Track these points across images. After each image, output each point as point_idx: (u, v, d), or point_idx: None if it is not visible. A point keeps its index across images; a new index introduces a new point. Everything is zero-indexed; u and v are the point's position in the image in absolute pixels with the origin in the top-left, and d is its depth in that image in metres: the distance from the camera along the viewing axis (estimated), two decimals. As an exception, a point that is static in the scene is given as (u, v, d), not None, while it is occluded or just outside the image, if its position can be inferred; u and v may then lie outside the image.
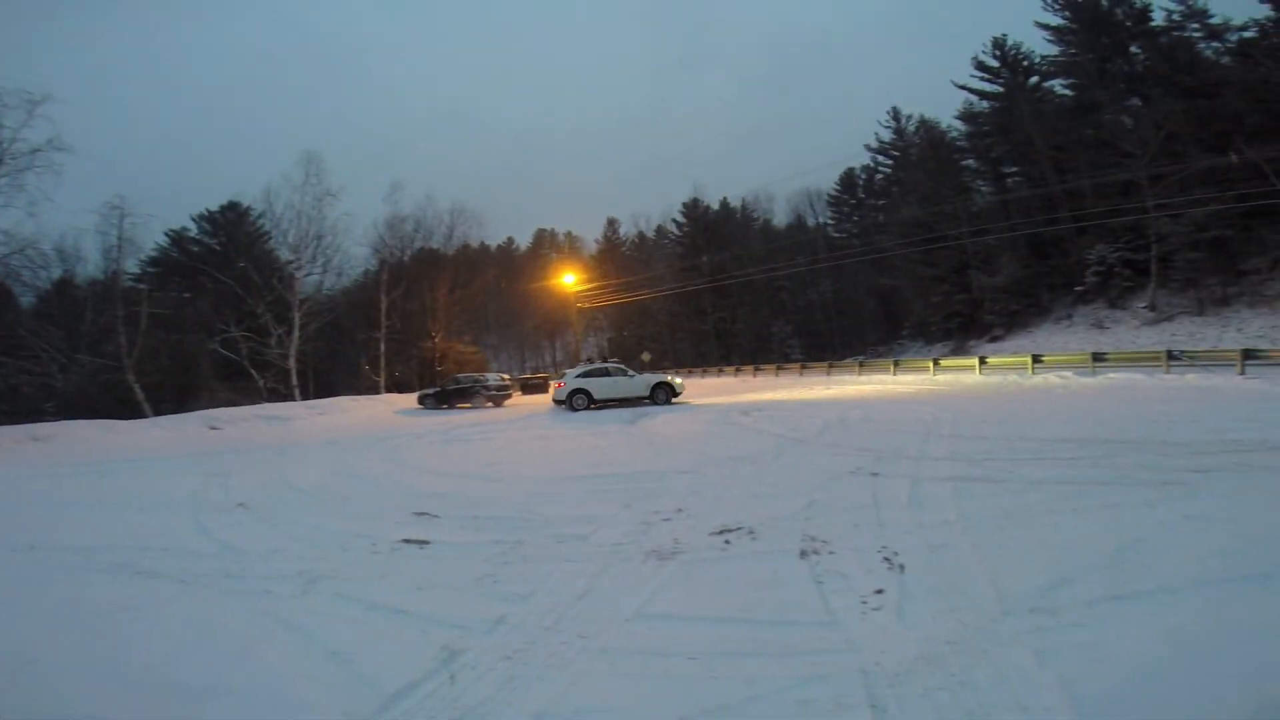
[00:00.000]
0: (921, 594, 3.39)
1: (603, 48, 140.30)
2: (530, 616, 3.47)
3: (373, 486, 7.94)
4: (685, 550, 4.45)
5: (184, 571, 4.77)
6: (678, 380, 18.46)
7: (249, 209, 37.41)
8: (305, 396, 28.75)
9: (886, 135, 43.75)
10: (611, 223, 64.33)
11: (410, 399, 24.69)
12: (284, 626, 3.58)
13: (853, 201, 49.70)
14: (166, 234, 37.00)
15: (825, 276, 45.75)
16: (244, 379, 29.54)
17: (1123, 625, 2.84)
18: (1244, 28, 27.12)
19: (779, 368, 32.18)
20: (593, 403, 17.18)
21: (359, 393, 29.44)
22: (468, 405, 21.97)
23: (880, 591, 3.46)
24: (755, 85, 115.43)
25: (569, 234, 75.27)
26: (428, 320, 34.17)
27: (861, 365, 27.25)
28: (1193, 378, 12.86)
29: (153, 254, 35.32)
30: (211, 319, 30.58)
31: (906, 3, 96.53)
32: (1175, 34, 29.81)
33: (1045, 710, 2.26)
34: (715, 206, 53.28)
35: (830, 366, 28.89)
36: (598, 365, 19.50)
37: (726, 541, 4.59)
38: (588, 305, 45.57)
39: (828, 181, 50.64)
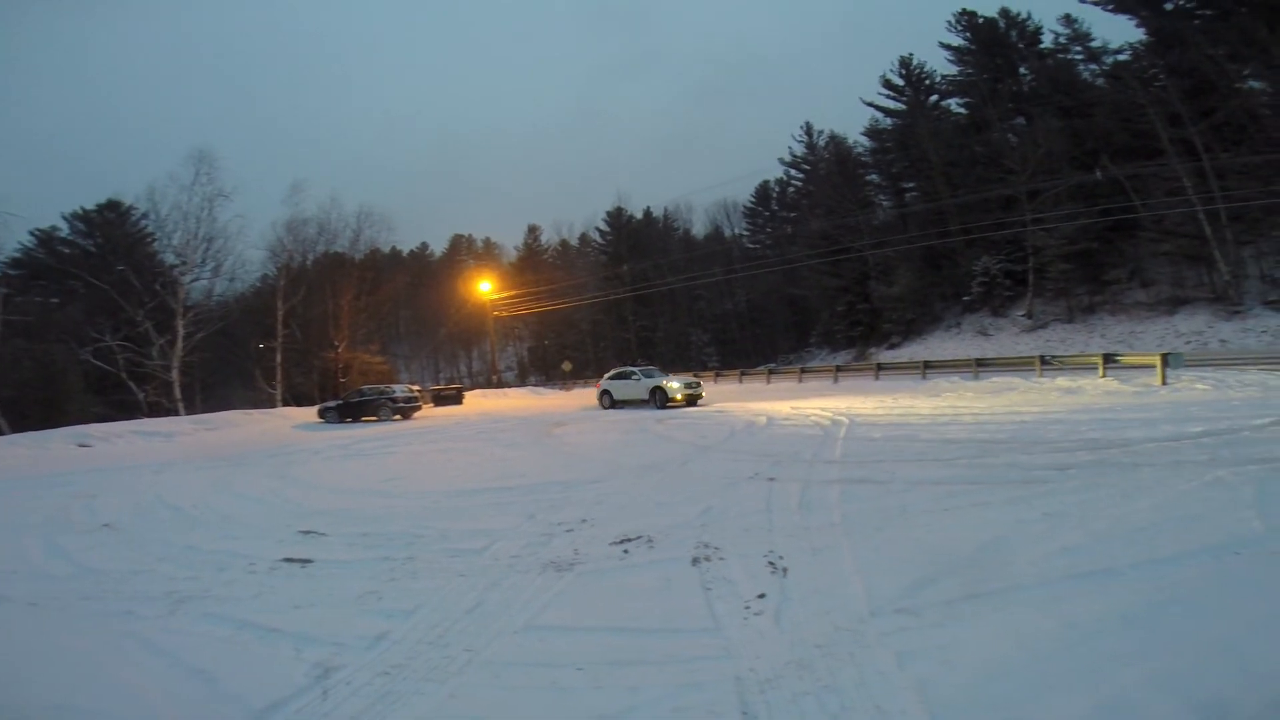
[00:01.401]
0: (800, 598, 3.45)
1: (538, 51, 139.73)
2: (414, 632, 3.37)
3: (258, 504, 7.48)
4: (584, 561, 4.40)
5: (34, 594, 4.44)
6: (673, 384, 17.74)
7: (131, 209, 34.41)
8: (191, 411, 26.60)
9: (799, 149, 45.58)
10: (533, 230, 63.54)
11: (310, 413, 23.27)
12: (144, 647, 3.39)
13: (766, 213, 51.41)
14: (32, 234, 33.50)
15: (740, 286, 47.07)
16: (121, 392, 27.11)
17: (977, 624, 2.94)
18: (1119, 51, 30.16)
19: (695, 375, 32.62)
20: (614, 402, 17.98)
21: (253, 406, 27.49)
22: (373, 419, 20.95)
23: (762, 596, 3.51)
24: (684, 96, 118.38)
25: (488, 240, 73.71)
26: (330, 328, 32.37)
27: (770, 373, 28.09)
28: (1061, 380, 14.04)
29: (15, 255, 31.73)
30: (83, 327, 27.74)
31: (835, 20, 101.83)
32: (1060, 56, 32.75)
33: (900, 713, 2.30)
34: (638, 216, 53.81)
35: (741, 374, 29.58)
36: (624, 369, 19.75)
37: (625, 551, 4.57)
38: (506, 314, 44.74)
39: (745, 193, 52.33)
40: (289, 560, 4.91)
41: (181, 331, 27.07)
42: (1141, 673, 2.34)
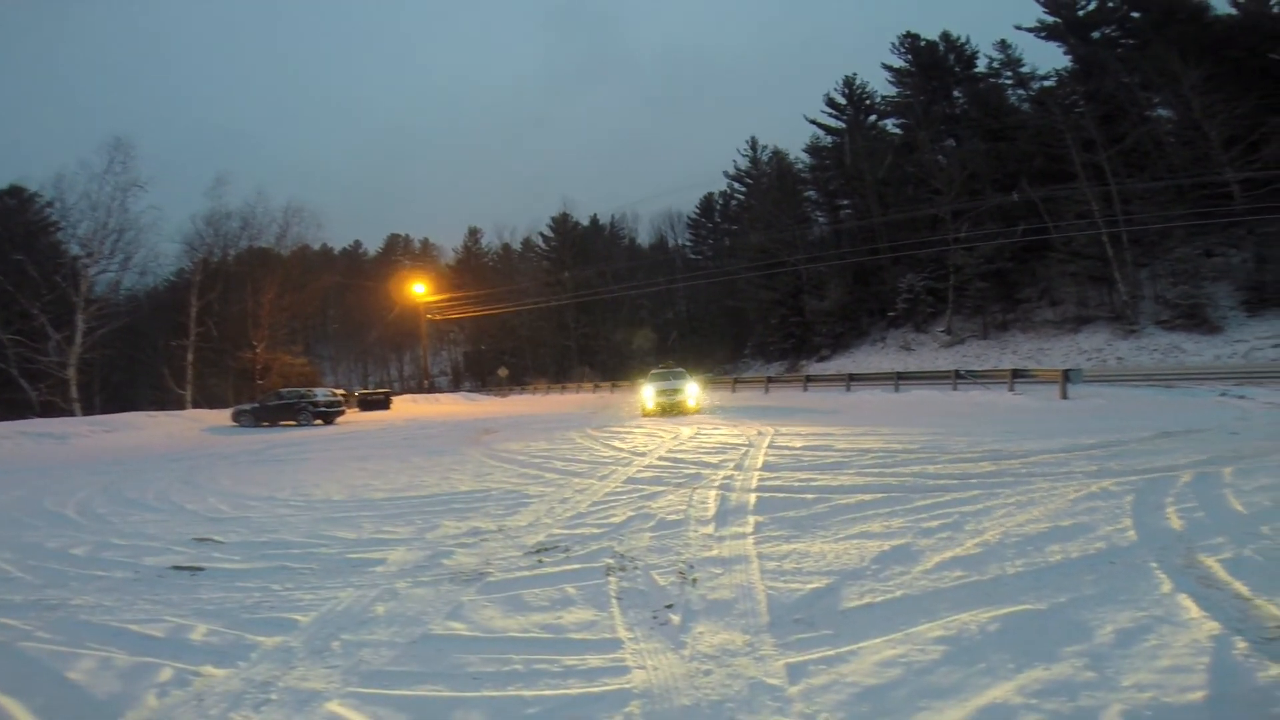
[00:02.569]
0: (705, 609, 3.42)
1: (496, 51, 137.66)
2: (297, 642, 3.26)
3: (153, 511, 7.04)
4: (494, 571, 4.27)
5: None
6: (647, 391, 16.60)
7: (34, 196, 31.79)
8: (90, 412, 24.66)
9: (744, 163, 46.40)
10: (473, 232, 62.47)
11: (224, 415, 22.01)
12: (8, 656, 3.27)
13: (710, 225, 52.26)
14: (-84, 218, 30.47)
15: (682, 296, 47.59)
16: (11, 390, 24.91)
17: (869, 634, 2.96)
18: (1046, 77, 32.14)
19: (635, 384, 32.65)
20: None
21: (162, 408, 25.75)
22: (292, 423, 19.97)
23: (670, 607, 3.47)
24: (639, 105, 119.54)
25: (426, 241, 71.98)
26: (249, 327, 30.69)
27: (707, 383, 28.42)
28: (975, 394, 14.78)
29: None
30: (-33, 319, 25.38)
31: (793, 37, 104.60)
32: (992, 80, 34.63)
33: None
34: (584, 222, 53.74)
35: None
36: (661, 369, 18.80)
37: (539, 561, 4.46)
38: (441, 317, 43.67)
39: (691, 204, 53.04)
40: (178, 568, 4.71)
41: (81, 326, 25.16)
42: (1016, 685, 2.38)
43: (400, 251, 71.20)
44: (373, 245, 72.65)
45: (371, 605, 3.73)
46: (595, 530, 5.14)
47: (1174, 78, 24.75)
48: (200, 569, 4.67)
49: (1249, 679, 2.28)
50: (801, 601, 3.40)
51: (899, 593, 3.41)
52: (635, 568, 4.17)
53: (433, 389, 41.34)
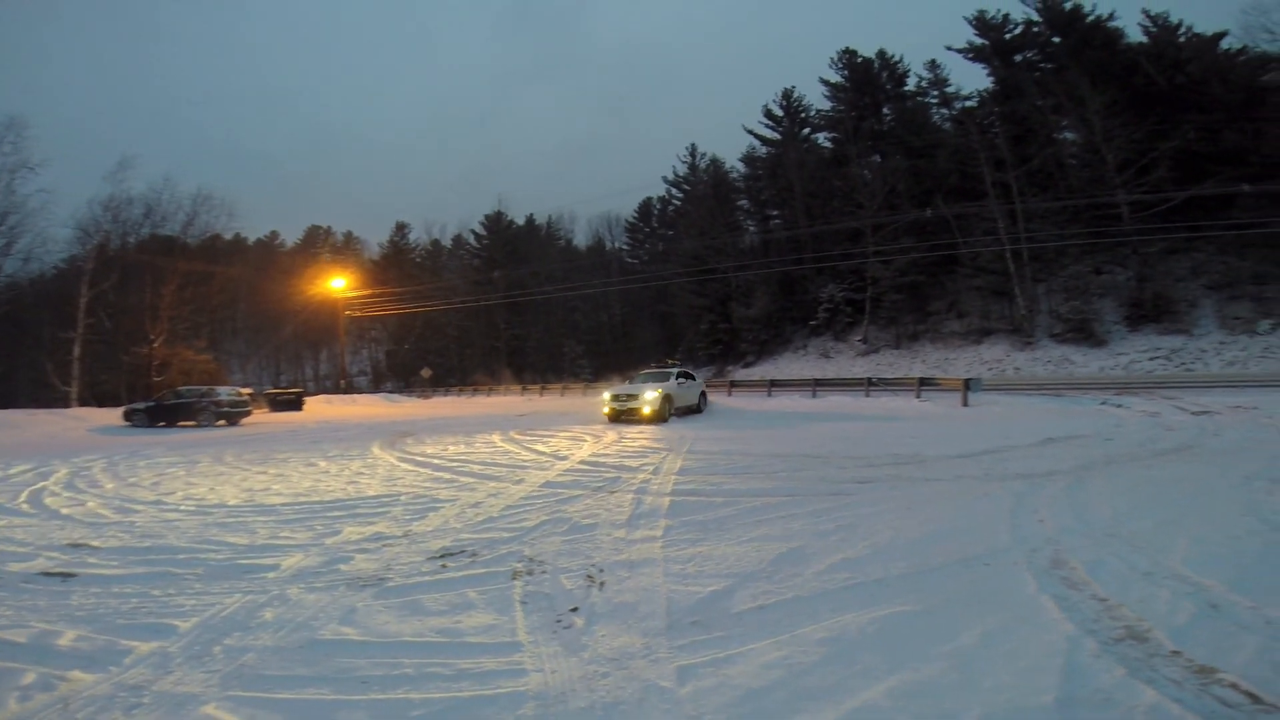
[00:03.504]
0: (608, 612, 3.45)
1: (443, 45, 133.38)
2: (177, 647, 3.16)
3: (23, 516, 6.49)
4: (395, 575, 4.16)
5: None
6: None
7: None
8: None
9: (683, 170, 46.58)
10: (401, 227, 60.27)
11: (115, 415, 20.30)
12: None
13: (647, 230, 52.49)
14: None
15: (617, 300, 47.61)
16: None
17: (758, 636, 3.05)
18: (969, 98, 33.94)
19: (565, 386, 32.45)
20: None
21: (44, 405, 23.54)
22: (192, 424, 18.66)
23: (575, 610, 3.49)
24: (586, 107, 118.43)
25: (349, 234, 68.87)
26: (146, 320, 28.47)
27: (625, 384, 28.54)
28: (885, 400, 15.54)
29: None
30: None
31: (738, 47, 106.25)
32: (919, 99, 36.29)
33: None
34: (520, 222, 52.90)
35: (585, 388, 29.74)
36: (654, 369, 17.26)
37: (444, 565, 4.37)
38: (362, 314, 41.95)
39: (630, 207, 53.13)
40: (48, 574, 4.41)
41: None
42: (887, 687, 2.49)
43: (321, 244, 67.86)
44: (291, 236, 69.05)
45: (259, 610, 3.60)
46: (505, 534, 5.08)
47: (1081, 102, 26.64)
48: (72, 575, 4.38)
49: (1094, 680, 2.45)
50: (700, 604, 3.46)
51: (790, 595, 3.52)
52: (543, 571, 4.15)
53: (350, 389, 39.62)
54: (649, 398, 13.71)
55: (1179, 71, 27.63)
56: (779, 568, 3.97)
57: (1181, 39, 28.91)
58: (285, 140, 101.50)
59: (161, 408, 19.09)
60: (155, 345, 28.26)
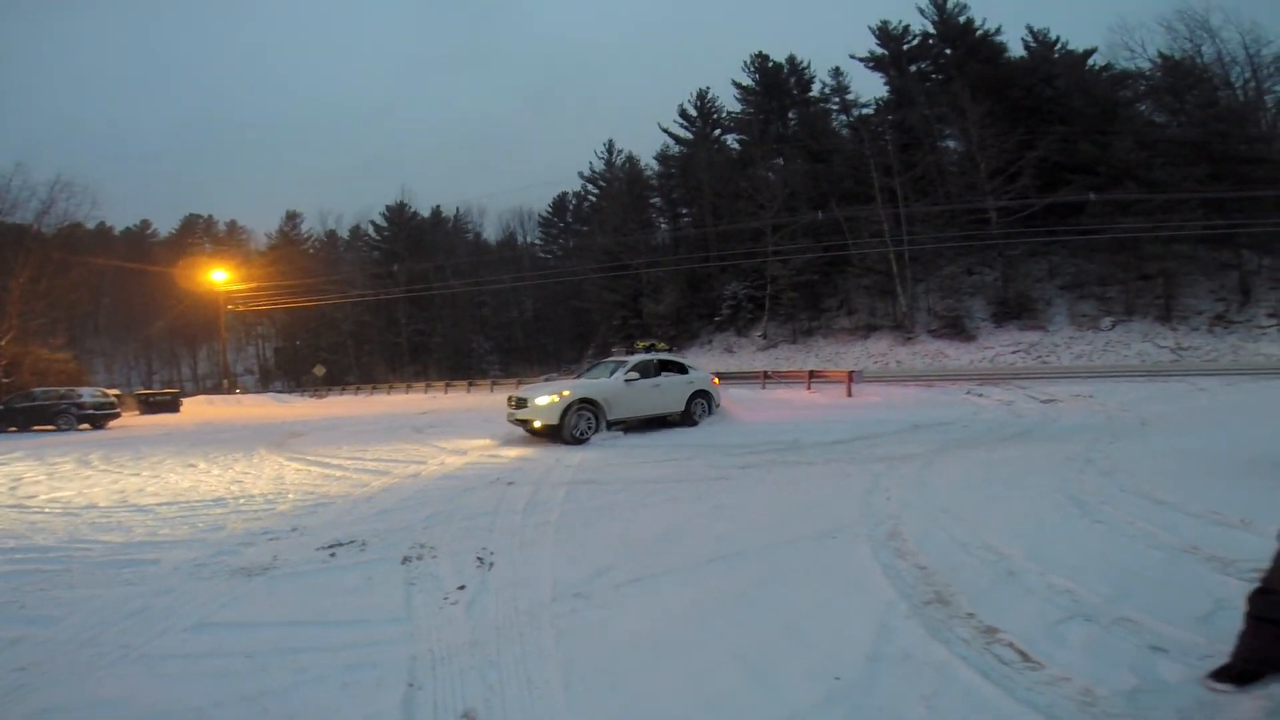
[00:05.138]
0: (497, 588, 3.64)
1: (352, 29, 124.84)
2: (60, 635, 3.20)
3: None
4: (280, 566, 4.20)
5: None
6: (540, 400, 9.73)
7: None
8: None
9: (600, 165, 46.25)
10: (292, 216, 56.65)
11: (-49, 420, 18.06)
12: None
13: (561, 225, 52.10)
14: None
15: (528, 295, 47.03)
16: None
17: (631, 604, 3.34)
18: (866, 105, 35.79)
19: (471, 383, 31.75)
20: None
21: None
22: (50, 428, 16.94)
23: (462, 588, 3.65)
24: (501, 98, 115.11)
25: (233, 224, 63.94)
26: (-9, 316, 25.41)
27: (549, 381, 28.51)
28: (779, 391, 16.45)
29: None
30: None
31: (667, 45, 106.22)
32: (822, 105, 37.91)
33: (545, 683, 2.55)
34: (425, 214, 50.96)
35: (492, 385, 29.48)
36: (610, 360, 12.57)
37: (332, 554, 4.43)
38: (246, 308, 39.20)
39: (543, 202, 52.42)
40: None
41: None
42: (729, 646, 2.81)
43: (200, 233, 62.56)
44: (165, 226, 63.26)
45: (144, 600, 3.63)
46: (398, 525, 5.14)
47: (963, 112, 28.84)
48: None
49: (899, 640, 2.79)
50: (585, 578, 3.72)
51: (663, 569, 3.82)
52: (434, 555, 4.28)
53: (234, 389, 36.94)
54: (539, 404, 9.58)
55: (1049, 85, 30.49)
56: (657, 545, 4.30)
57: (1056, 54, 31.94)
58: (162, 126, 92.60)
59: (11, 411, 17.23)
60: (2, 343, 25.26)
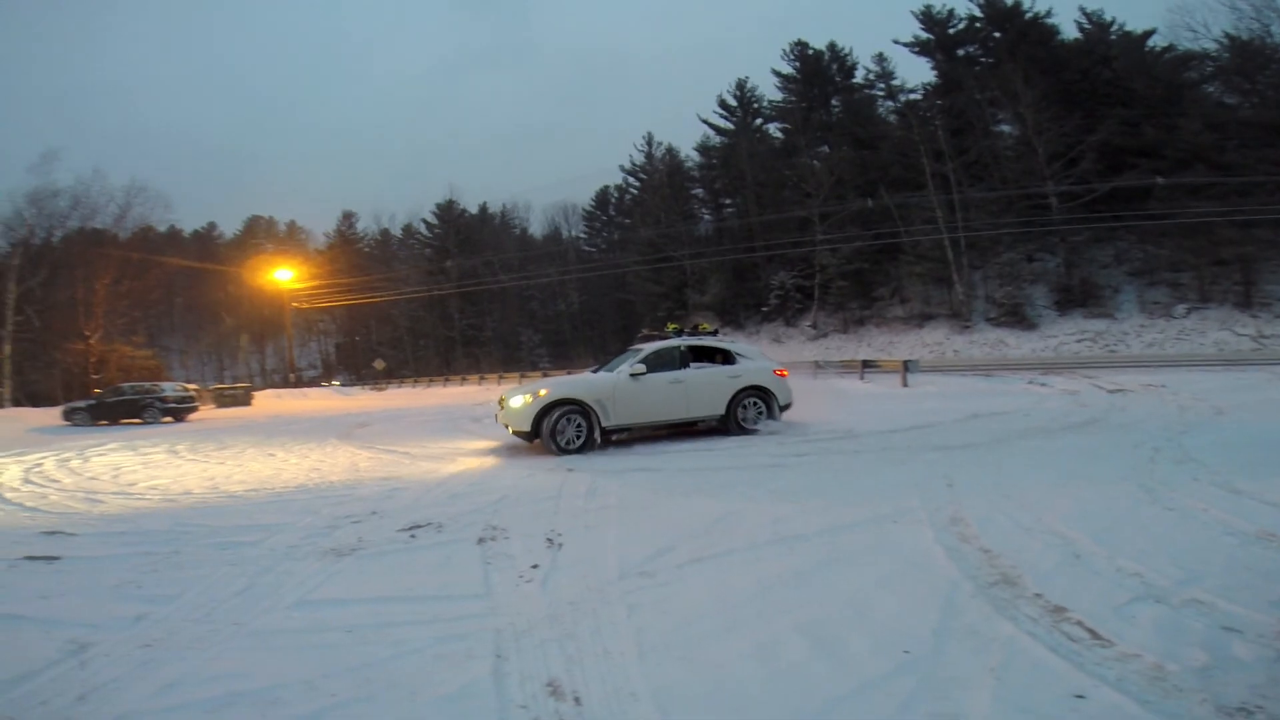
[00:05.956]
0: (566, 566, 3.83)
1: (393, 28, 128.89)
2: (177, 613, 3.41)
3: None
4: (366, 547, 4.45)
5: None
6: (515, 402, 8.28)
7: None
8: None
9: (639, 158, 46.43)
10: (348, 216, 58.67)
11: (53, 414, 19.61)
12: None
13: (604, 218, 52.49)
14: None
15: (574, 288, 47.65)
16: None
17: (694, 582, 3.49)
18: (913, 90, 35.01)
19: (522, 375, 32.40)
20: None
21: (-31, 408, 22.47)
22: (136, 421, 18.20)
23: (536, 566, 3.85)
24: (542, 94, 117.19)
25: (292, 224, 66.76)
26: (80, 316, 27.38)
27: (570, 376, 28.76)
28: (831, 382, 16.29)
29: None
30: None
31: (693, 37, 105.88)
32: (866, 91, 37.22)
33: (620, 653, 2.72)
34: (473, 210, 52.18)
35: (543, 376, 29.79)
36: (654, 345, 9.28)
37: (412, 535, 4.68)
38: (309, 305, 40.97)
39: (586, 196, 52.96)
40: (31, 558, 4.55)
41: None
42: (792, 620, 2.93)
43: (262, 234, 65.45)
44: (230, 228, 66.52)
45: (248, 579, 3.88)
46: (469, 508, 5.39)
47: (1016, 96, 27.94)
48: (57, 557, 4.54)
49: (966, 617, 2.86)
50: (647, 558, 3.88)
51: (724, 549, 3.96)
52: (506, 536, 4.50)
53: (300, 383, 38.72)
54: (513, 407, 8.14)
55: (1106, 67, 29.24)
56: (716, 527, 4.43)
57: (1113, 36, 30.53)
58: (222, 129, 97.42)
59: (104, 405, 18.59)
60: (91, 341, 27.19)
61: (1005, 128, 31.27)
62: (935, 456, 6.42)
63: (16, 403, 24.35)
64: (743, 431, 8.57)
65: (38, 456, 10.68)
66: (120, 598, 3.65)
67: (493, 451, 8.66)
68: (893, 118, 35.18)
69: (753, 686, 2.42)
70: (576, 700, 2.35)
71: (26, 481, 8.12)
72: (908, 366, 15.26)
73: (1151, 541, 3.60)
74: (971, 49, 33.75)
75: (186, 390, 20.32)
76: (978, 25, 33.21)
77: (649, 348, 8.90)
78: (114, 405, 18.60)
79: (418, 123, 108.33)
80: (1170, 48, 28.79)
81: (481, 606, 3.32)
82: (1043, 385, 14.19)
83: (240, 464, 8.88)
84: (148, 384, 20.04)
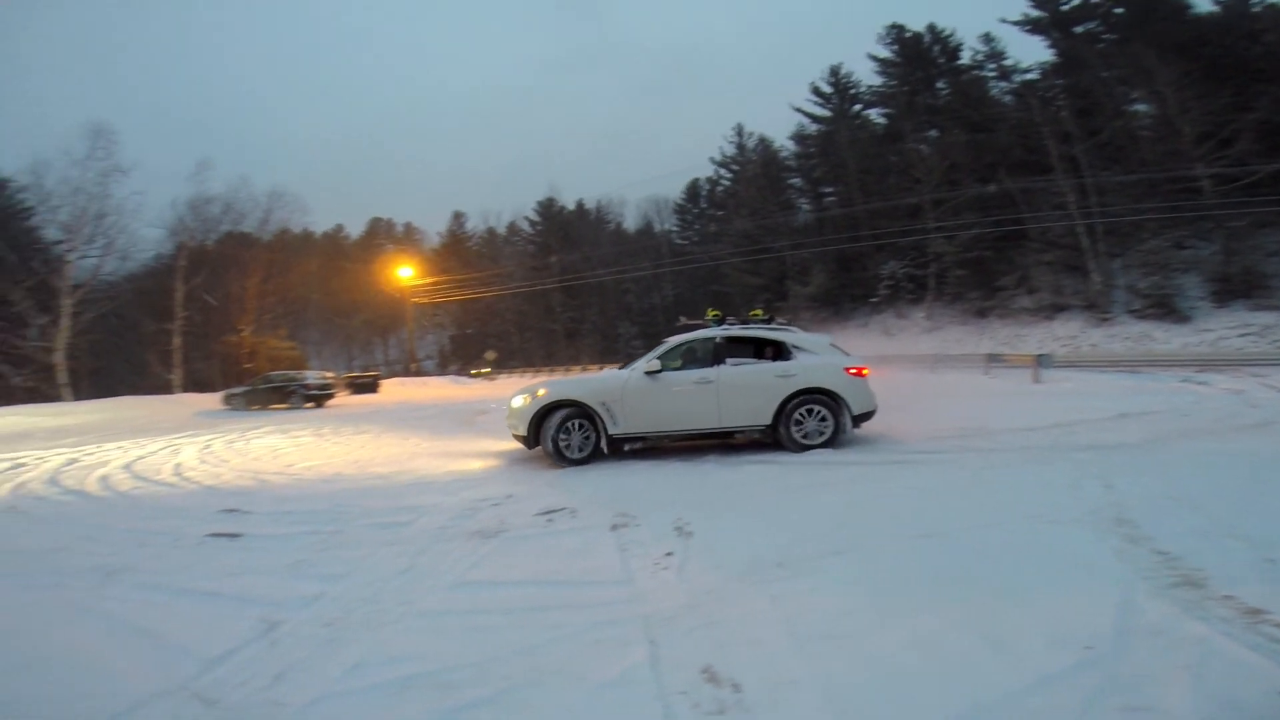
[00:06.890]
0: (699, 555, 3.87)
1: (488, 36, 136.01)
2: (349, 592, 3.60)
3: (166, 487, 7.33)
4: (509, 530, 4.66)
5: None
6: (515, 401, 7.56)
7: (8, 181, 31.36)
8: (79, 397, 24.62)
9: (730, 150, 46.11)
10: (458, 216, 62.10)
11: (213, 399, 22.19)
12: (82, 612, 3.49)
13: (696, 211, 52.41)
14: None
15: (668, 281, 47.89)
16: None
17: (835, 574, 3.43)
18: (1028, 70, 32.47)
19: (622, 365, 32.91)
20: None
21: (147, 393, 25.77)
22: (284, 406, 20.20)
23: (670, 554, 3.91)
24: (629, 91, 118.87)
25: (409, 225, 71.33)
26: (234, 312, 30.76)
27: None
28: (951, 376, 15.40)
29: None
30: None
31: (783, 25, 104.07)
32: (975, 73, 34.94)
33: (772, 641, 2.73)
34: (570, 207, 53.71)
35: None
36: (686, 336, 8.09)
37: (550, 520, 4.87)
38: (426, 301, 43.69)
39: (677, 189, 53.11)
40: (216, 535, 4.98)
41: (67, 311, 25.08)
42: (946, 615, 2.82)
43: (383, 235, 70.51)
44: (354, 229, 72.00)
45: (408, 560, 4.11)
46: (598, 494, 5.57)
47: (1150, 74, 25.27)
48: (238, 535, 4.94)
49: (1148, 616, 2.69)
50: (780, 549, 3.85)
51: (859, 545, 3.85)
52: (637, 524, 4.60)
53: (419, 373, 41.47)
54: (513, 407, 7.32)
55: (1255, 42, 25.77)
56: (849, 521, 4.33)
57: (1255, 9, 26.87)
58: (342, 137, 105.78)
59: (256, 391, 20.76)
60: (244, 334, 30.45)
61: (1141, 107, 28.20)
62: (1083, 456, 5.93)
63: (185, 389, 27.74)
64: (798, 448, 6.85)
65: (208, 438, 12.11)
66: (298, 576, 3.91)
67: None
68: (1007, 99, 32.63)
69: (919, 677, 2.36)
70: (735, 687, 2.37)
71: (202, 462, 9.15)
72: (1040, 361, 14.15)
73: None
74: (1092, 25, 30.78)
75: (326, 378, 22.31)
76: (1095, 1, 30.39)
77: (672, 340, 7.47)
78: (265, 392, 20.74)
79: (522, 122, 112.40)
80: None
81: (625, 593, 3.39)
82: (1200, 384, 12.73)
83: (379, 447, 9.64)
84: (293, 372, 22.19)
